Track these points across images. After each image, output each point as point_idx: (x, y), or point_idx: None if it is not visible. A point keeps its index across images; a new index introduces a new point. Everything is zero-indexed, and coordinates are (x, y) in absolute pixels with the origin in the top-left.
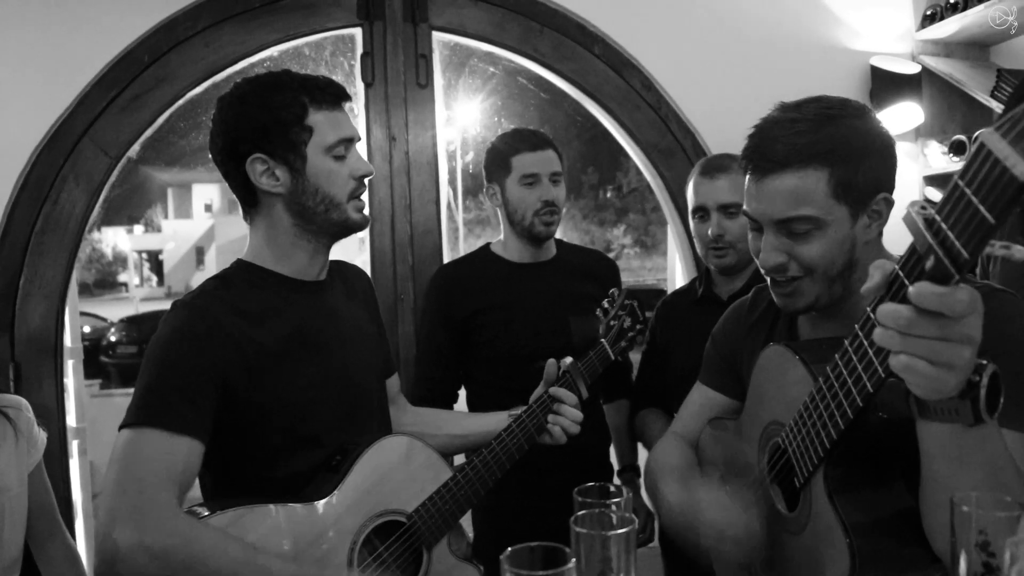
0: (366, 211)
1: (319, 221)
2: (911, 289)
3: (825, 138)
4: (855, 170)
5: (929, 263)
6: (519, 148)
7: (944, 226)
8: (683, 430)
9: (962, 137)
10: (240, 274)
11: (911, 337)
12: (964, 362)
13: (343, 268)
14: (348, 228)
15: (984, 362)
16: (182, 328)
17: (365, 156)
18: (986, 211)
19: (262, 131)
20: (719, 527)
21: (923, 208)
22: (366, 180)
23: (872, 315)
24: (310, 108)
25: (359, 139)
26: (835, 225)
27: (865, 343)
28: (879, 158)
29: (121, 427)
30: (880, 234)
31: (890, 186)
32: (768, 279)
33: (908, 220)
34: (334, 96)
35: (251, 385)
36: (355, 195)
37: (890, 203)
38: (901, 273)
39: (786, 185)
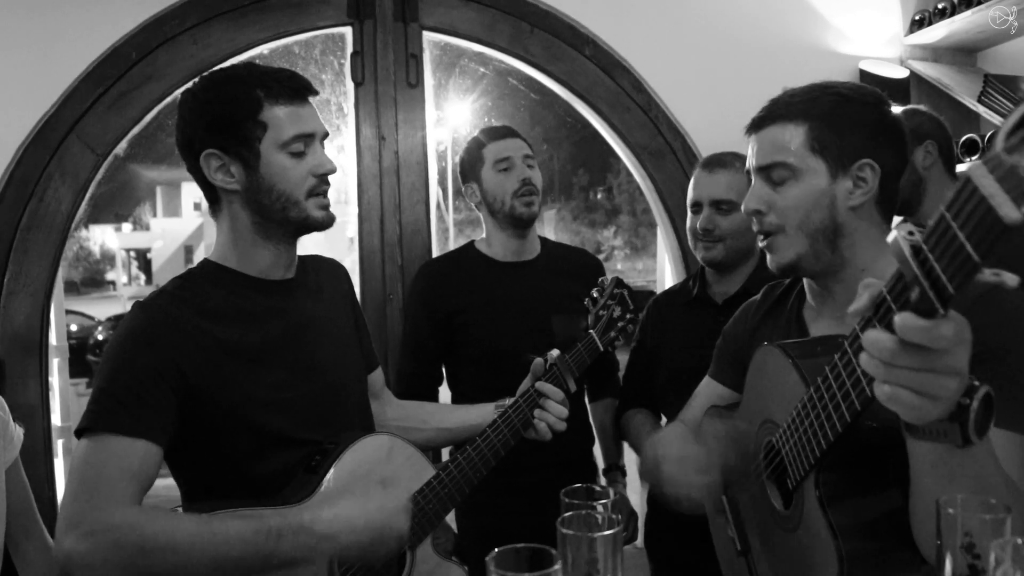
0: (331, 208)
1: (278, 219)
2: (896, 320)
3: (809, 100)
4: (836, 131)
5: (914, 295)
6: (489, 138)
7: (931, 257)
8: (691, 421)
9: None
10: (204, 274)
11: (895, 368)
12: (950, 393)
13: (318, 263)
14: (309, 226)
15: (976, 383)
16: (135, 329)
17: (354, 155)
18: (972, 248)
19: (215, 126)
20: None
21: (911, 234)
22: (329, 178)
23: (860, 335)
24: (265, 103)
25: (325, 134)
26: (810, 176)
27: (854, 361)
28: (867, 129)
29: (77, 433)
30: (875, 204)
31: (881, 158)
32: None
33: (895, 246)
34: (292, 90)
35: (217, 385)
36: (315, 193)
37: (876, 172)
38: (888, 296)
39: (768, 135)
